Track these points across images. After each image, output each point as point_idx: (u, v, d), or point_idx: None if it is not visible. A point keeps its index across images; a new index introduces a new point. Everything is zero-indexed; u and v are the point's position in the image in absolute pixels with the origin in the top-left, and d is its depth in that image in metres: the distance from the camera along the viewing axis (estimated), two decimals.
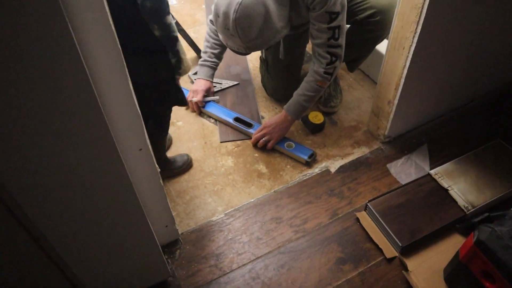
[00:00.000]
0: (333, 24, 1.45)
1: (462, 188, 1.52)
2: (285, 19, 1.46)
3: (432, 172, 1.58)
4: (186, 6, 2.70)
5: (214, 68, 1.88)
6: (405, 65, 1.45)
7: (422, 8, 1.30)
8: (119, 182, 0.92)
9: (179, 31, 2.08)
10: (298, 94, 1.66)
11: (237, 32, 1.38)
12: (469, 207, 1.46)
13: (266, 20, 1.38)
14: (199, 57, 2.03)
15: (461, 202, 1.48)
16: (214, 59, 1.85)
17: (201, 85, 1.87)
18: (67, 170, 0.82)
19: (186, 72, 1.31)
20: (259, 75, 2.04)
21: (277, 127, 1.71)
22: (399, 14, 1.39)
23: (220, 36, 1.52)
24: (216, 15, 1.42)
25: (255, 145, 1.74)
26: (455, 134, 1.79)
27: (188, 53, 2.21)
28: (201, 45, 2.03)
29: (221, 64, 1.92)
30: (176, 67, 1.31)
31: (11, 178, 0.74)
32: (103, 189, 0.91)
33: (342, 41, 1.52)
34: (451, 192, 1.51)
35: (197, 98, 1.84)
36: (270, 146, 1.72)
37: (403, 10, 1.37)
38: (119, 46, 0.78)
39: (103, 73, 0.79)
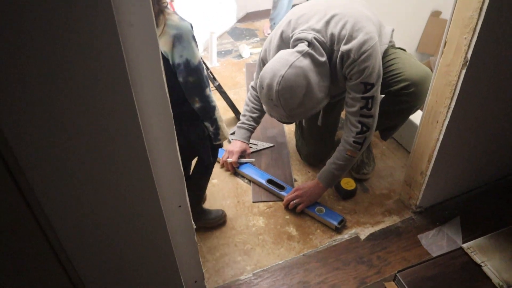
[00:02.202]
0: (367, 94, 1.51)
1: (497, 265, 1.49)
2: (325, 90, 1.53)
3: (464, 246, 1.56)
4: (228, 68, 2.85)
5: (251, 131, 1.95)
6: (438, 139, 1.49)
7: (456, 85, 1.35)
8: (158, 236, 0.98)
9: (220, 93, 2.21)
10: (329, 163, 1.70)
11: (280, 102, 1.46)
12: (505, 286, 1.42)
13: (308, 92, 1.45)
14: (238, 118, 2.12)
15: (495, 280, 1.44)
16: (252, 123, 1.93)
17: (237, 146, 1.94)
18: (113, 222, 0.88)
19: (224, 138, 1.42)
20: (294, 139, 2.10)
21: (308, 192, 1.74)
22: (434, 89, 1.44)
23: (264, 107, 1.60)
24: (261, 86, 1.50)
25: (286, 206, 1.78)
26: (490, 208, 1.77)
27: (227, 113, 2.32)
28: (240, 107, 2.14)
29: (258, 126, 2.00)
30: (215, 134, 1.40)
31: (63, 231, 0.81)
32: (142, 241, 0.96)
33: (375, 111, 1.56)
34: (485, 269, 1.48)
35: (232, 159, 1.92)
36: (299, 209, 1.75)
37: (437, 86, 1.42)
38: (172, 113, 0.85)
39: (157, 138, 0.86)
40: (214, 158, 1.55)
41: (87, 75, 0.67)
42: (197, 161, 1.57)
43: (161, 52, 1.19)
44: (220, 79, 2.37)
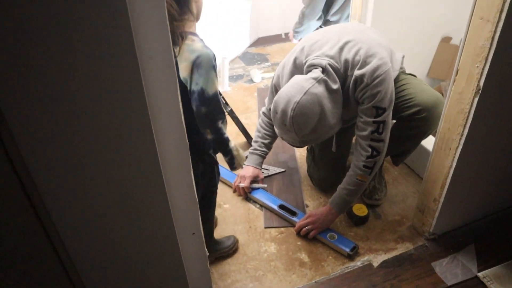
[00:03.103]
0: (379, 118, 1.52)
1: None
2: (338, 116, 1.54)
3: (480, 275, 1.54)
4: (239, 93, 2.88)
5: (263, 156, 1.97)
6: (451, 165, 1.48)
7: (468, 113, 1.35)
8: (172, 262, 0.98)
9: (232, 118, 2.23)
10: (340, 188, 1.70)
11: (293, 128, 1.47)
12: None
13: (321, 118, 1.46)
14: (249, 143, 2.13)
15: None
16: (264, 149, 1.94)
17: (249, 171, 1.95)
18: (129, 247, 0.89)
19: (240, 166, 1.41)
20: (306, 164, 2.11)
21: (321, 218, 1.73)
22: (446, 116, 1.45)
23: (277, 130, 1.61)
24: (275, 111, 1.51)
25: (298, 232, 1.77)
26: (505, 235, 1.75)
27: (239, 138, 2.34)
28: (252, 131, 2.15)
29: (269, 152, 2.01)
30: (230, 163, 1.40)
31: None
32: (156, 267, 0.97)
33: (386, 136, 1.56)
34: None
35: (244, 184, 1.92)
36: (311, 235, 1.74)
37: (450, 113, 1.42)
38: (187, 142, 0.87)
39: (172, 167, 0.88)
40: (215, 187, 1.54)
41: (108, 106, 0.69)
42: (200, 196, 1.55)
43: (181, 79, 1.19)
44: (231, 104, 2.40)
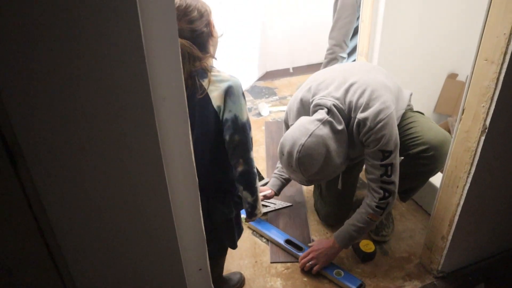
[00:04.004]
0: (386, 161, 1.53)
1: None
2: (344, 156, 1.56)
3: None
4: None
5: (282, 181, 1.98)
6: (459, 203, 1.48)
7: (475, 152, 1.36)
8: None
9: None
10: (348, 224, 1.69)
11: (300, 169, 1.49)
12: None
13: (326, 159, 1.48)
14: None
15: None
16: (283, 173, 1.98)
17: (264, 188, 1.97)
18: (135, 283, 0.89)
19: (260, 213, 1.38)
20: (312, 198, 2.11)
21: (323, 253, 1.72)
22: (453, 154, 1.45)
23: (284, 170, 1.63)
24: (281, 153, 1.54)
25: (302, 268, 1.75)
26: None
27: None
28: (259, 165, 2.17)
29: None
30: (252, 207, 1.34)
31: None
32: None
33: (395, 178, 1.57)
34: None
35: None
36: (315, 271, 1.72)
37: (457, 151, 1.43)
38: (197, 181, 0.88)
39: (182, 205, 0.89)
40: (238, 238, 1.51)
41: (123, 148, 0.71)
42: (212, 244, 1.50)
43: (214, 108, 1.22)
44: None
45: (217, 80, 1.24)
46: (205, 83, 1.24)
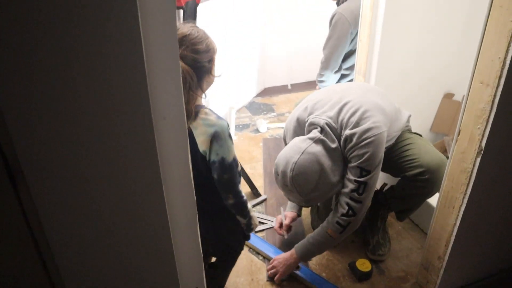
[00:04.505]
0: (361, 179, 1.52)
1: None
2: (340, 174, 1.56)
3: None
4: (245, 142, 2.92)
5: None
6: (455, 224, 1.48)
7: (471, 172, 1.37)
8: None
9: None
10: (308, 236, 1.71)
11: (295, 188, 1.50)
12: None
13: (321, 176, 1.49)
14: (253, 193, 2.14)
15: None
16: None
17: (289, 213, 1.98)
18: None
19: (256, 226, 1.47)
20: (309, 217, 2.11)
21: (283, 263, 1.75)
22: (449, 175, 1.46)
23: (282, 191, 1.64)
24: (276, 173, 1.56)
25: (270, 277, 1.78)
26: None
27: (243, 188, 2.34)
28: (256, 181, 2.17)
29: (272, 203, 2.02)
30: (247, 225, 1.44)
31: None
32: None
33: (365, 199, 1.55)
34: None
35: (285, 222, 1.95)
36: (277, 279, 1.74)
37: (453, 172, 1.44)
38: (195, 199, 0.89)
39: (180, 225, 0.90)
40: (241, 248, 1.58)
41: (122, 168, 0.71)
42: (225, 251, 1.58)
43: (200, 151, 1.26)
44: (237, 153, 2.41)
45: (205, 124, 1.26)
46: (190, 124, 1.26)
